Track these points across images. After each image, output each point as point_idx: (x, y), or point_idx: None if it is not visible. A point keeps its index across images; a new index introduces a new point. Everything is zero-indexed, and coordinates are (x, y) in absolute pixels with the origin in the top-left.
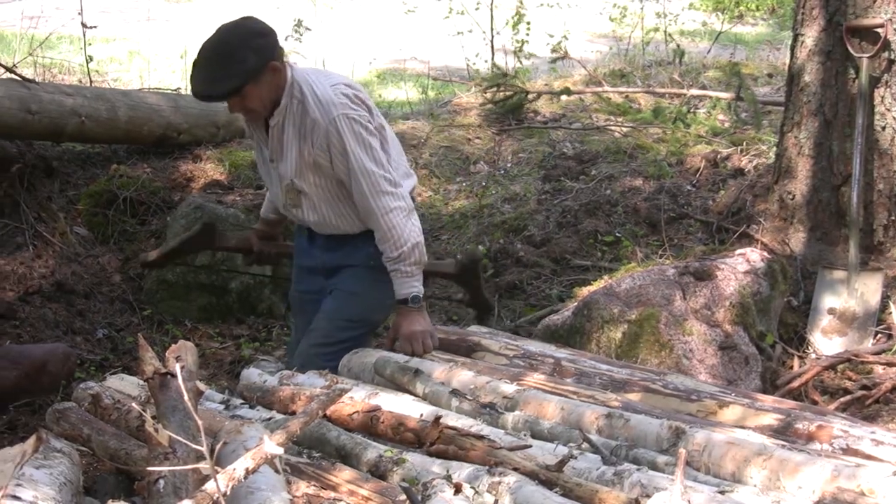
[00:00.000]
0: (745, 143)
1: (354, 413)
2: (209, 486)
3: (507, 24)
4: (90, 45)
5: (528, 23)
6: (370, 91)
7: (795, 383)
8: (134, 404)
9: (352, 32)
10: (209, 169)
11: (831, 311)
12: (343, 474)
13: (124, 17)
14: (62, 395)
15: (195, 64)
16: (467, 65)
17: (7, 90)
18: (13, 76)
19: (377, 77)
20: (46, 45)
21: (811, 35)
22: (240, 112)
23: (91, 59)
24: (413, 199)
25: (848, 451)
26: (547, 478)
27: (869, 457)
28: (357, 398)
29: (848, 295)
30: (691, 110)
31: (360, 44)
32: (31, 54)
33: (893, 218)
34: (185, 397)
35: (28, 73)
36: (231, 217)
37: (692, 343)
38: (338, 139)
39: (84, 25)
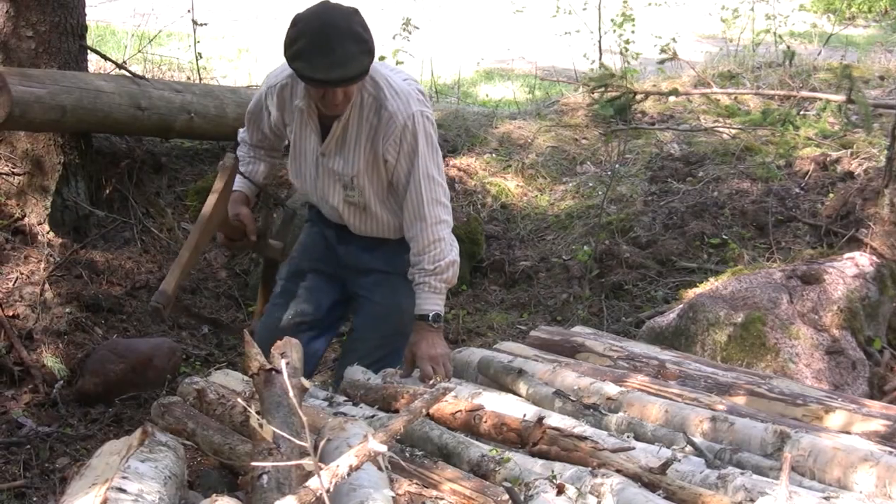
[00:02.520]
0: (855, 146)
1: (457, 412)
2: (312, 482)
3: (612, 23)
4: (199, 42)
5: (633, 20)
6: (477, 90)
7: None
8: (238, 400)
9: (459, 31)
10: None
11: None
12: (445, 473)
13: (233, 14)
14: (167, 389)
15: (314, 49)
16: (573, 65)
17: (117, 86)
18: (124, 72)
19: (484, 76)
20: (156, 41)
21: None
22: (339, 101)
23: (200, 56)
24: None
25: None
26: (650, 480)
27: None
28: (460, 397)
29: None
30: (801, 112)
31: (468, 43)
32: (140, 51)
33: None
34: (290, 394)
35: (138, 69)
36: None
37: (798, 347)
38: (412, 136)
39: (194, 23)
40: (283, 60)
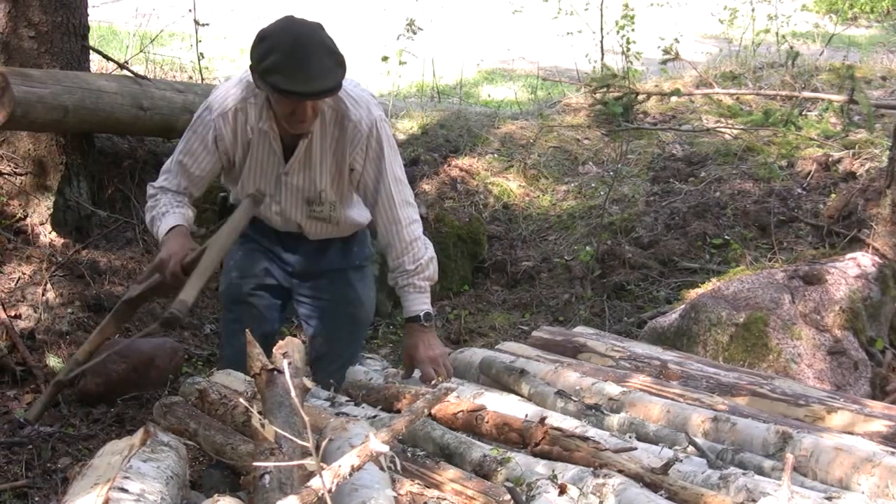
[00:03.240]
0: (857, 147)
1: (459, 412)
2: (314, 482)
3: (616, 24)
4: (201, 42)
5: (633, 18)
6: (479, 90)
7: None
8: (240, 400)
9: (460, 32)
10: None
11: None
12: (447, 473)
13: (235, 15)
14: (169, 389)
15: (290, 62)
16: (575, 66)
17: (119, 86)
18: (126, 73)
19: (485, 76)
20: (158, 41)
21: None
22: (308, 117)
23: (202, 56)
24: None
25: None
26: (652, 480)
27: None
28: (462, 397)
29: None
30: (803, 113)
31: (469, 43)
32: (142, 51)
33: None
34: (292, 393)
35: (140, 69)
36: None
37: (800, 347)
38: (377, 143)
39: (196, 23)
40: (222, 87)
